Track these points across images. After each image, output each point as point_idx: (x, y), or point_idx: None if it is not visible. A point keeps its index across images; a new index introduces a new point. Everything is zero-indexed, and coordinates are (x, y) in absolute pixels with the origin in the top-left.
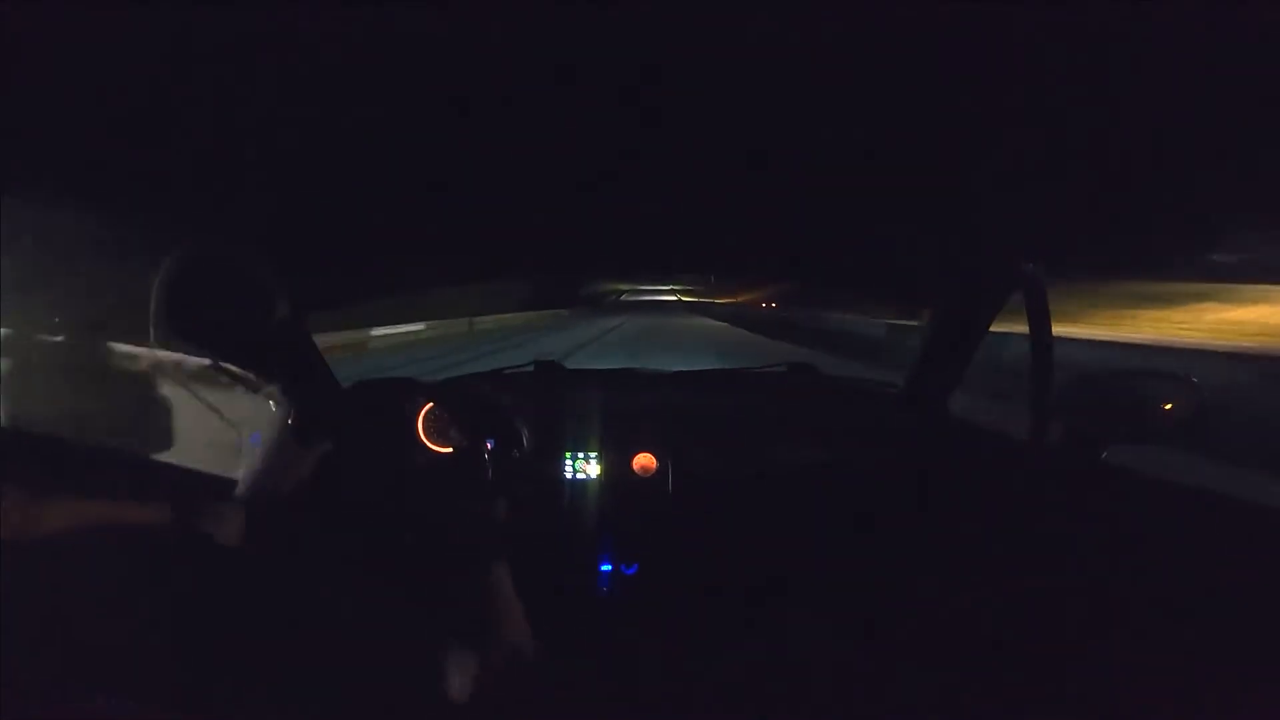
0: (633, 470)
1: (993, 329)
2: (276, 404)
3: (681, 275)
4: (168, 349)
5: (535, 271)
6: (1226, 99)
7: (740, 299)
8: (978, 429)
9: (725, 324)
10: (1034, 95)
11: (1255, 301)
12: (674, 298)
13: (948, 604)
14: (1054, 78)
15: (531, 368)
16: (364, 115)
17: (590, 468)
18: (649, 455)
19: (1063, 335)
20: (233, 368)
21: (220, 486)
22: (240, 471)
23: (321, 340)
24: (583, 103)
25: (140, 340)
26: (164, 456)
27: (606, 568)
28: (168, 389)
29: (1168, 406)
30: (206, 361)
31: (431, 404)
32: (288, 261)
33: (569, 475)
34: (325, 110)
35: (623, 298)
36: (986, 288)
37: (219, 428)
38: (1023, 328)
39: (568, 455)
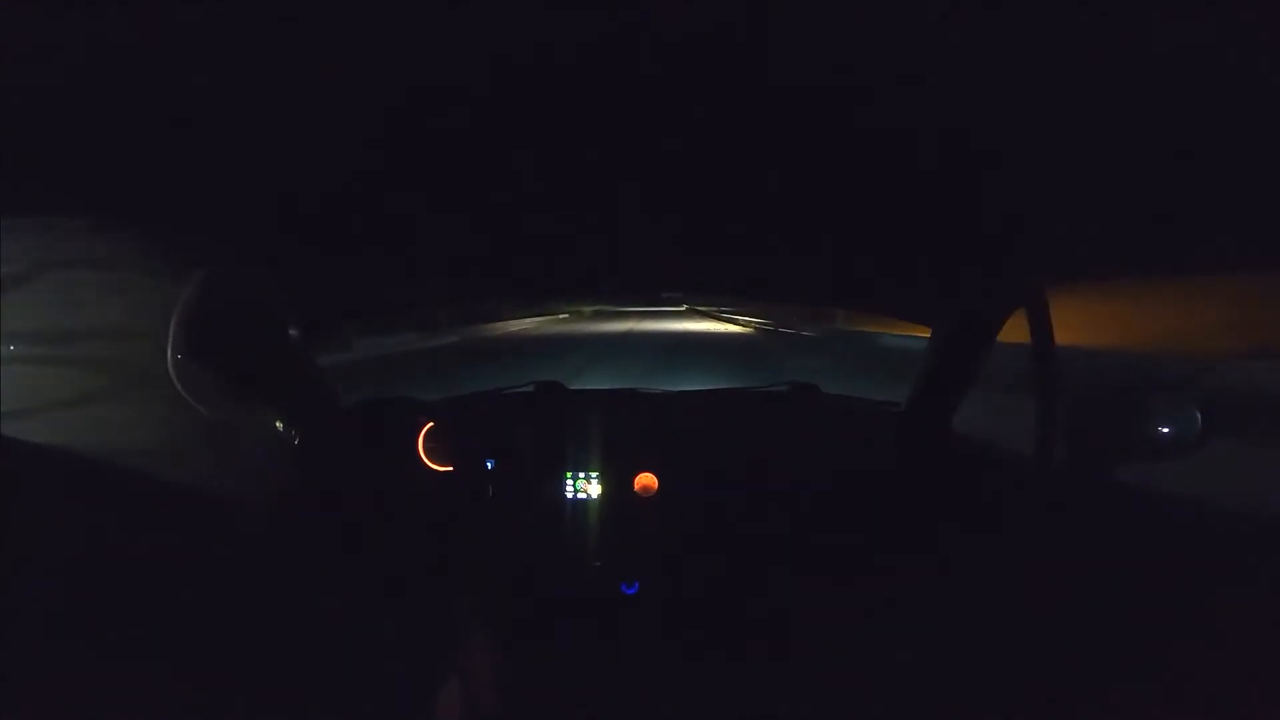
0: (634, 490)
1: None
2: (282, 423)
3: (662, 290)
4: (184, 366)
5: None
6: (1241, 103)
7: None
8: (981, 446)
9: None
10: (1036, 102)
11: None
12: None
13: (952, 623)
14: (1057, 82)
15: (531, 388)
16: (362, 130)
17: (591, 487)
18: (650, 475)
19: None
20: (241, 385)
21: (222, 501)
22: (242, 487)
23: None
24: (574, 103)
25: (140, 352)
26: (167, 470)
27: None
28: (173, 403)
29: (1174, 422)
30: (215, 377)
31: (432, 423)
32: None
33: (569, 495)
34: (325, 125)
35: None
36: (989, 303)
37: (223, 442)
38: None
39: (568, 475)
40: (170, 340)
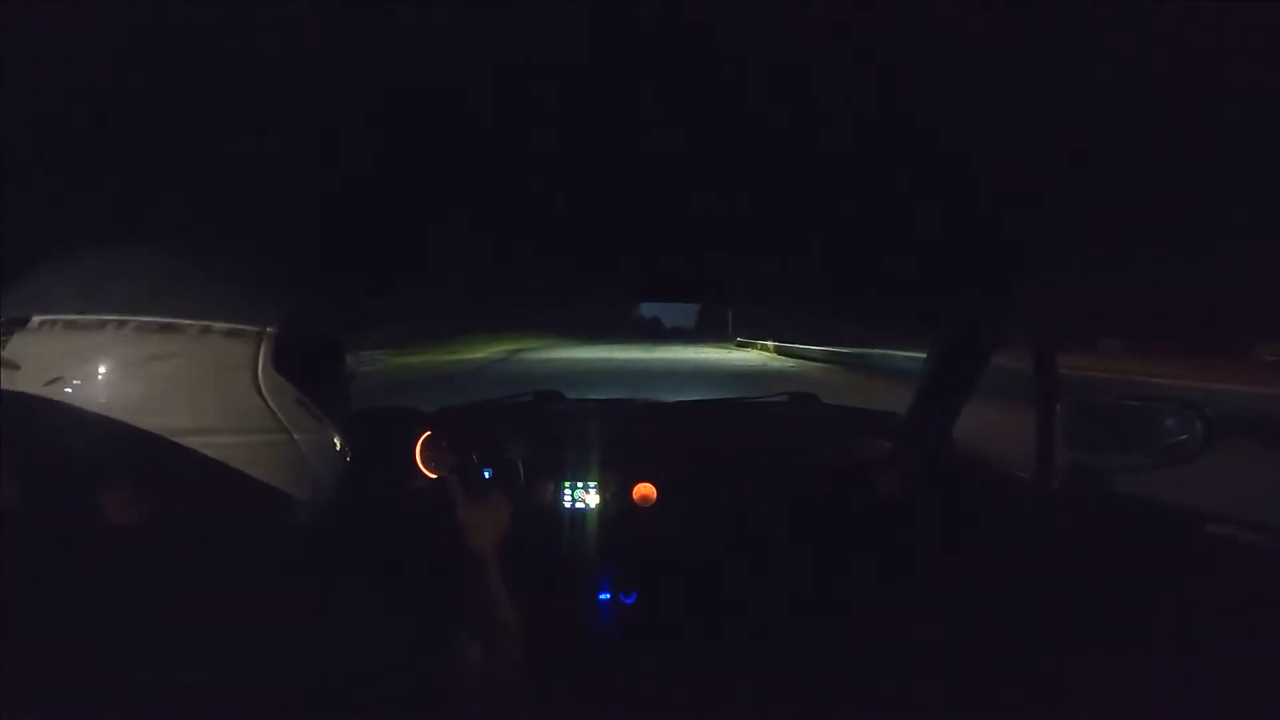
0: (632, 500)
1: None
2: (339, 439)
3: (657, 298)
4: (275, 384)
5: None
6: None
7: None
8: (981, 458)
9: None
10: (1036, 111)
11: None
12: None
13: (950, 633)
14: (1059, 91)
15: (530, 397)
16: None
17: (589, 497)
18: (648, 485)
19: None
20: (315, 405)
21: (230, 498)
22: (252, 486)
23: None
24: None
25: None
26: (188, 466)
27: (605, 597)
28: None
29: (1175, 434)
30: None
31: (429, 432)
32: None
33: (568, 504)
34: (337, 123)
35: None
36: (989, 317)
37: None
38: None
39: (566, 484)
40: (262, 360)
